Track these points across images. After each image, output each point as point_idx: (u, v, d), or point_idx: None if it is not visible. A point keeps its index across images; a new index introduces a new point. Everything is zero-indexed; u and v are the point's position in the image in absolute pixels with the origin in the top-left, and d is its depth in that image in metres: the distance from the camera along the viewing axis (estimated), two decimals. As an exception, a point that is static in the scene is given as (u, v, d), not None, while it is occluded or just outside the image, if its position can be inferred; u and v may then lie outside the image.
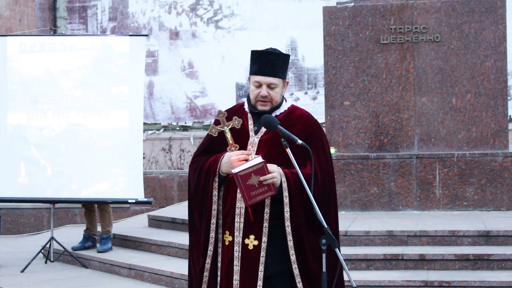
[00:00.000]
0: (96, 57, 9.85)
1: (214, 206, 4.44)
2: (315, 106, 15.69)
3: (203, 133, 15.46)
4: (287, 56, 4.52)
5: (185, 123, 16.62)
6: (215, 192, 4.43)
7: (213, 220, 4.44)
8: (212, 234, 4.44)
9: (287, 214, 4.31)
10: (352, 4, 10.24)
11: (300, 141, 4.25)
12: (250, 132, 4.48)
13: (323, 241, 4.16)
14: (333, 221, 4.46)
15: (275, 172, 4.27)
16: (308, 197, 4.21)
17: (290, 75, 15.63)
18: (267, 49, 4.48)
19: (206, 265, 4.46)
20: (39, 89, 9.85)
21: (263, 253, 4.35)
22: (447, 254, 7.83)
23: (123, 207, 12.97)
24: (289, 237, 4.32)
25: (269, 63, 4.40)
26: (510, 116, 11.75)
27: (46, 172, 9.77)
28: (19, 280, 8.90)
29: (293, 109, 4.56)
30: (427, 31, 10.02)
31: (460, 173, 9.69)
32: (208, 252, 4.46)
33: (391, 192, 9.83)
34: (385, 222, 8.95)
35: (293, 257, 4.32)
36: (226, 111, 4.51)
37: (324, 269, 4.17)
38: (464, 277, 7.45)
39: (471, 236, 8.21)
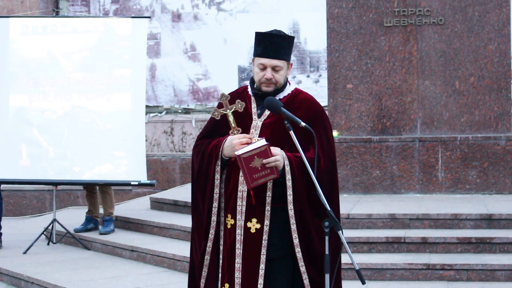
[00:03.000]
0: (98, 40, 9.82)
1: (216, 190, 4.42)
2: (317, 89, 15.66)
3: (205, 116, 15.44)
4: (292, 38, 4.49)
5: (188, 105, 16.59)
6: (217, 176, 4.41)
7: (215, 204, 4.43)
8: (214, 218, 4.44)
9: (290, 198, 4.30)
10: (356, -14, 10.20)
11: (303, 124, 4.23)
12: (253, 115, 4.46)
13: (326, 223, 4.16)
14: (335, 205, 4.44)
15: (279, 155, 4.26)
16: (310, 181, 4.20)
17: (292, 57, 15.58)
18: (271, 31, 4.44)
19: (207, 248, 4.46)
20: (41, 71, 9.83)
21: (265, 237, 4.34)
22: (449, 237, 7.84)
23: (125, 189, 12.98)
24: (292, 221, 4.31)
25: (274, 45, 4.37)
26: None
27: (48, 154, 9.75)
28: (21, 262, 8.92)
29: (296, 92, 4.53)
30: (430, 14, 9.98)
31: (462, 157, 9.68)
32: (210, 235, 4.45)
33: (393, 175, 9.83)
34: (388, 205, 8.95)
35: (296, 241, 4.31)
36: (229, 94, 4.48)
37: (326, 252, 4.17)
38: (466, 260, 7.46)
39: (474, 219, 8.21)
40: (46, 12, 16.39)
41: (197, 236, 4.53)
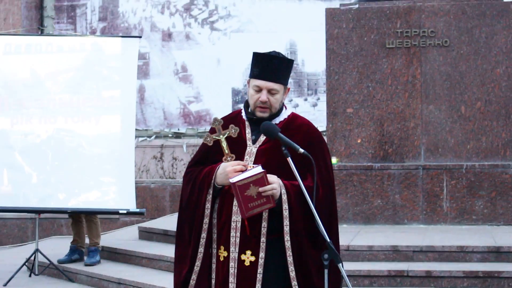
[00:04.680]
0: (85, 59, 9.84)
1: (206, 220, 4.40)
2: (315, 114, 15.69)
3: (197, 141, 15.45)
4: (291, 61, 4.51)
5: (178, 129, 16.60)
6: (208, 205, 4.40)
7: (203, 235, 4.40)
8: (201, 249, 4.41)
9: (286, 228, 4.29)
10: (357, 6, 10.25)
11: (302, 150, 4.23)
12: (247, 141, 4.46)
13: (325, 256, 4.15)
14: (334, 236, 4.43)
15: (275, 183, 4.25)
16: (308, 211, 4.19)
17: (289, 81, 15.61)
18: (270, 52, 4.45)
19: (191, 281, 4.42)
20: (24, 92, 9.83)
21: (260, 270, 4.32)
22: (455, 271, 7.83)
23: (112, 218, 12.95)
24: (289, 253, 4.30)
25: (272, 67, 4.38)
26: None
27: (31, 180, 9.74)
28: (1, 295, 8.89)
29: (293, 117, 4.54)
30: (435, 35, 10.02)
31: (469, 185, 9.68)
32: (195, 268, 4.41)
33: (395, 204, 9.82)
34: (390, 237, 8.94)
35: (292, 274, 4.30)
36: (222, 118, 4.48)
37: (326, 285, 4.16)
38: (473, 296, 7.46)
39: (481, 252, 8.21)
40: (30, 30, 16.43)
41: (178, 267, 4.50)
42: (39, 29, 16.40)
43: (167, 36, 16.75)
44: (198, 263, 4.41)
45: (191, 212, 4.45)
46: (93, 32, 16.80)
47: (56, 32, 16.42)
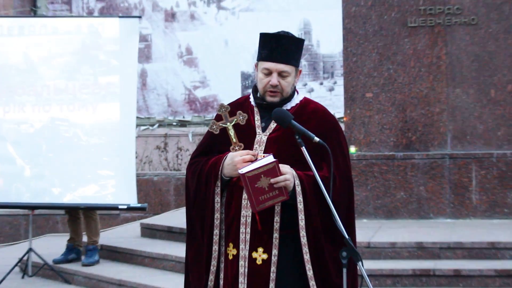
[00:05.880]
0: (81, 42, 9.84)
1: (217, 215, 4.39)
2: (332, 99, 15.70)
3: (204, 129, 15.46)
4: (302, 40, 4.49)
5: (183, 117, 16.64)
6: (217, 199, 4.38)
7: (216, 231, 4.40)
8: (215, 247, 4.40)
9: (301, 223, 4.27)
10: (376, -19, 10.23)
11: (317, 139, 4.21)
12: (256, 129, 4.45)
13: (344, 253, 4.13)
14: (352, 232, 4.42)
15: (288, 173, 4.23)
16: (324, 204, 4.17)
17: (303, 62, 15.64)
18: (278, 32, 4.43)
19: (209, 282, 4.43)
20: (17, 78, 9.86)
21: (273, 269, 4.31)
22: (486, 270, 7.81)
23: (112, 214, 12.98)
24: (305, 249, 4.28)
25: (281, 48, 4.35)
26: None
27: (23, 174, 9.76)
28: (-8, 298, 8.92)
29: (306, 102, 4.52)
30: (461, 13, 9.99)
31: (500, 176, 9.66)
32: (211, 268, 4.42)
33: (420, 197, 9.81)
34: (414, 232, 8.94)
35: (310, 272, 4.28)
36: (229, 104, 4.47)
37: (345, 286, 4.14)
38: (505, 296, 7.45)
39: (514, 248, 8.20)
40: (22, 11, 16.46)
41: (196, 268, 4.49)
42: (32, 10, 16.41)
43: (170, 16, 16.76)
44: (214, 262, 4.42)
45: (200, 207, 4.44)
46: (90, 13, 16.82)
47: (50, 14, 16.44)
